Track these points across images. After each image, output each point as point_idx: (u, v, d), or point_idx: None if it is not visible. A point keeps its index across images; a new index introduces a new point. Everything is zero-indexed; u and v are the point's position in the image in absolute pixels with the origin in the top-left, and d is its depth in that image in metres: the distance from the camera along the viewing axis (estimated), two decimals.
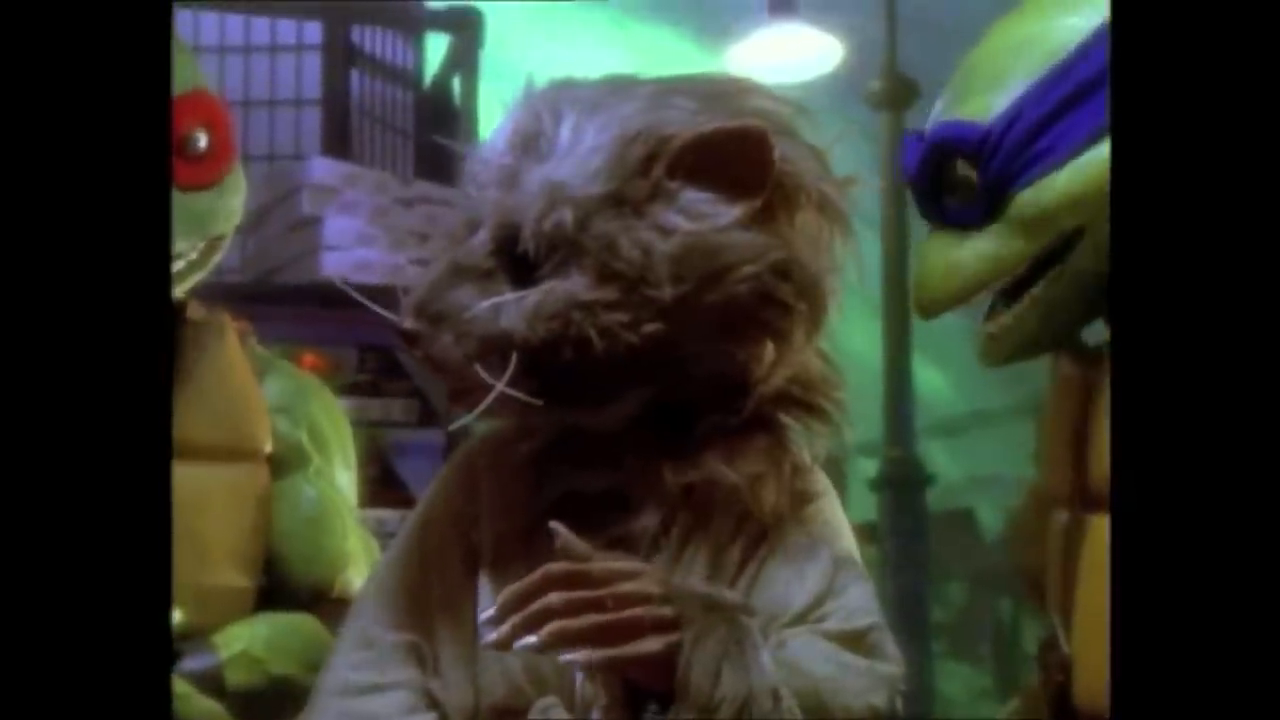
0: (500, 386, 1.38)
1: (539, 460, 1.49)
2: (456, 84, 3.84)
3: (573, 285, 1.38)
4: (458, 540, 1.51)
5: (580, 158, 1.40)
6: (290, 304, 3.23)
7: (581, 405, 1.44)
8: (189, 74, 1.81)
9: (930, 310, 1.67)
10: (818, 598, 1.43)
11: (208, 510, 1.78)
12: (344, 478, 1.95)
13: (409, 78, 4.01)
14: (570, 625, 1.28)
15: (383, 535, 1.99)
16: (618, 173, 1.39)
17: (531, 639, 1.28)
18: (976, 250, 1.63)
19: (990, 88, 1.62)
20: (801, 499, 1.49)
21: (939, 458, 5.97)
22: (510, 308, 1.39)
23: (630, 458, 1.45)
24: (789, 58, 5.19)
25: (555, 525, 1.34)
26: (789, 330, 1.44)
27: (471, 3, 3.94)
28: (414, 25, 4.04)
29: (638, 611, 1.31)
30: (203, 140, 1.77)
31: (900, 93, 5.09)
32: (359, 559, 1.91)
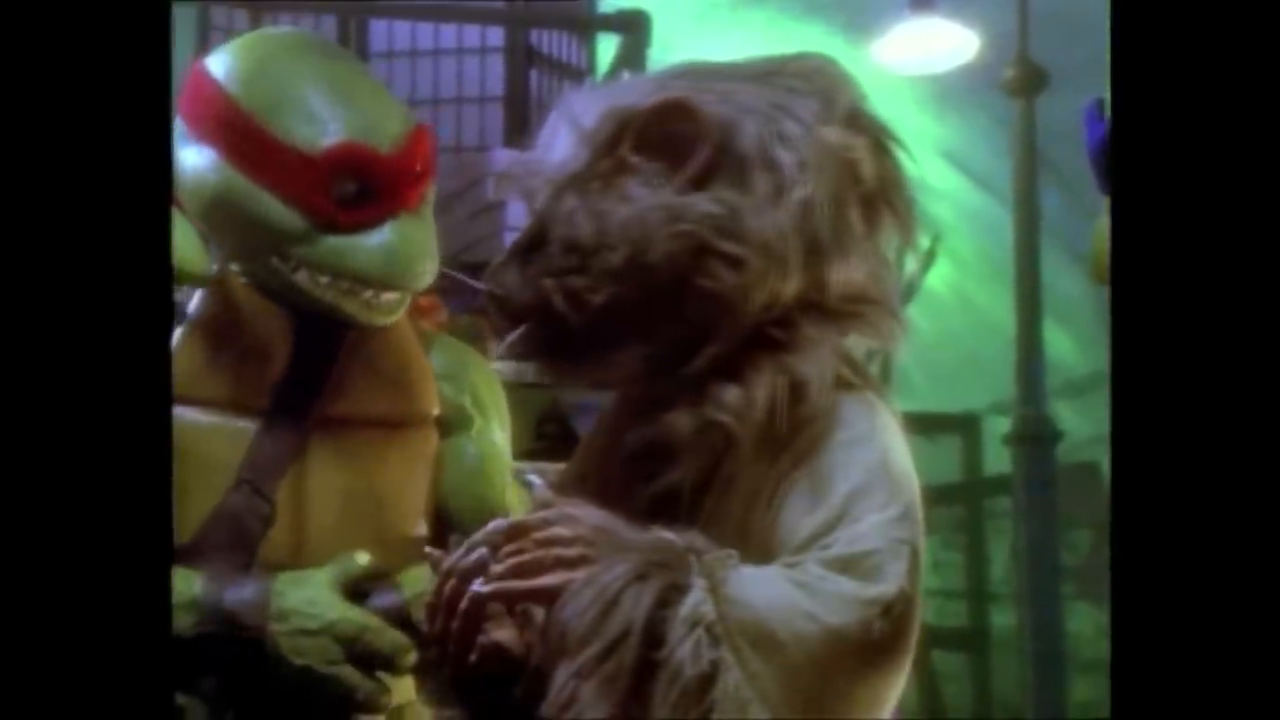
0: (511, 338, 1.48)
1: (615, 423, 1.53)
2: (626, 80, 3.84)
3: (547, 255, 1.45)
4: (578, 494, 1.49)
5: (562, 147, 1.48)
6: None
7: (585, 363, 1.49)
8: (404, 114, 1.85)
9: None
10: (824, 526, 1.37)
11: (388, 469, 1.84)
12: (500, 437, 1.98)
13: (583, 75, 4.03)
14: (494, 568, 1.35)
15: None
16: (585, 155, 1.46)
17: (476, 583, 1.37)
18: None
19: None
20: (833, 420, 1.43)
21: (1067, 415, 5.83)
22: (508, 277, 1.48)
23: (658, 411, 1.44)
24: (929, 50, 5.15)
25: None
26: (746, 281, 1.40)
27: (640, 6, 3.95)
28: (587, 27, 4.05)
29: (546, 551, 1.33)
30: (418, 165, 1.82)
31: (1032, 80, 4.97)
32: (516, 509, 1.92)
